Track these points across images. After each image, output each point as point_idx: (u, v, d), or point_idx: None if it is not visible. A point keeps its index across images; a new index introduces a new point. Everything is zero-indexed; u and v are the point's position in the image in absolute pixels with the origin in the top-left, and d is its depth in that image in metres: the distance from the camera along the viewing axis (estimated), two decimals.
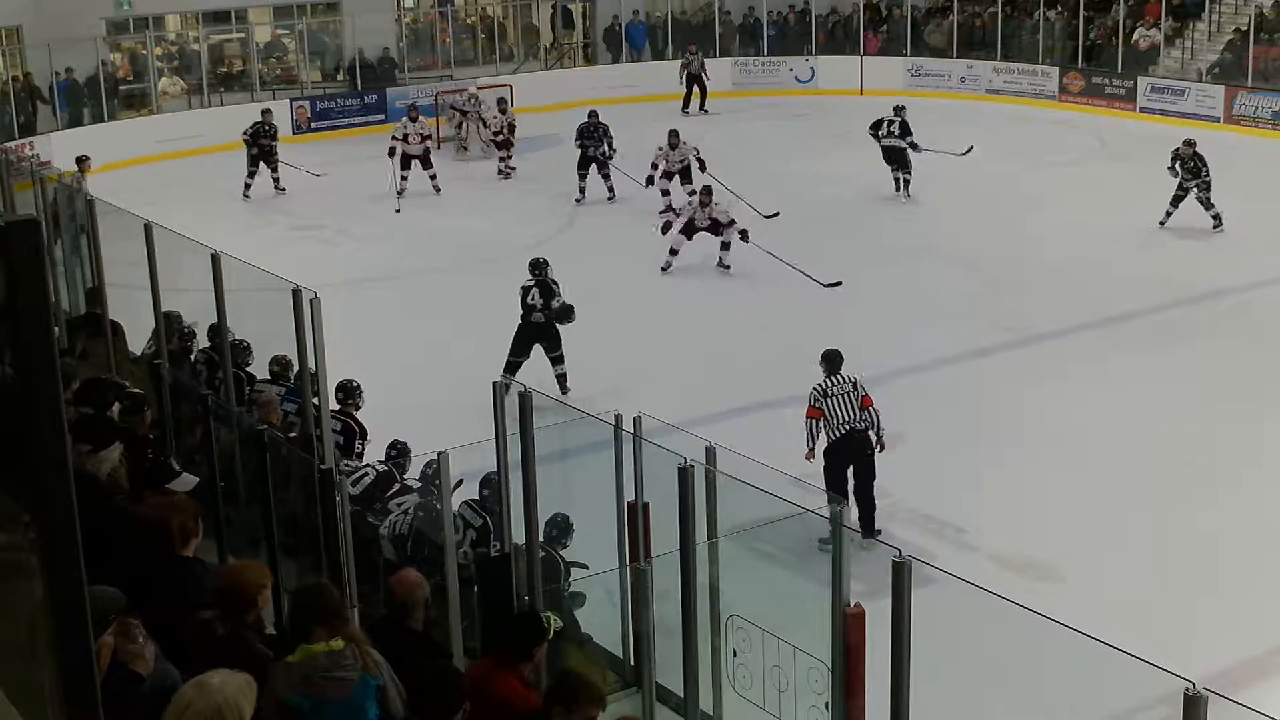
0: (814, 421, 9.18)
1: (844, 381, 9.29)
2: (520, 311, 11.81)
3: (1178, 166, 16.67)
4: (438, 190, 19.91)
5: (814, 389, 9.26)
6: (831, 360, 9.45)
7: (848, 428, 9.16)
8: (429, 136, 20.75)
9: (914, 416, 11.36)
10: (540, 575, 6.32)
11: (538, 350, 11.84)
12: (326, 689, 4.44)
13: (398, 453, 8.42)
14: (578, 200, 19.28)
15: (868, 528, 9.07)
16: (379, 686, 4.54)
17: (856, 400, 9.24)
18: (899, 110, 18.98)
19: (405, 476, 8.24)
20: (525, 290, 11.85)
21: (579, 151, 19.35)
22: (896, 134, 18.78)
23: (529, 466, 6.10)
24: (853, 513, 8.85)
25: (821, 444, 9.22)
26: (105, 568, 4.40)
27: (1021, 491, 9.98)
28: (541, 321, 11.75)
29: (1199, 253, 15.88)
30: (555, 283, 11.93)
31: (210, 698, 3.45)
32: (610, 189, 19.33)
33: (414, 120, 20.07)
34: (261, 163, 19.88)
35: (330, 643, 4.51)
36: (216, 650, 4.36)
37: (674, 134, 18.46)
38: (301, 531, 6.83)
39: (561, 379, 11.79)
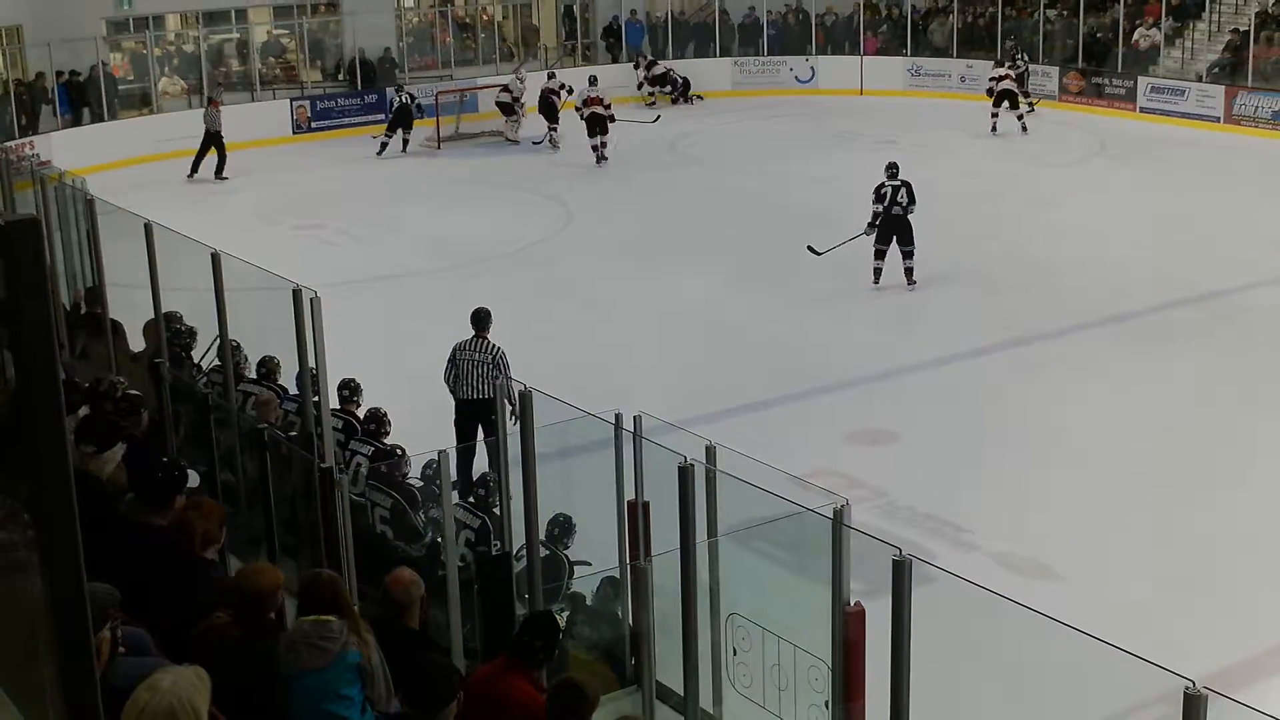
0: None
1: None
2: None
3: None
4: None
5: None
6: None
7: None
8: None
9: (914, 416, 11.39)
10: (541, 575, 6.32)
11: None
12: (306, 657, 4.46)
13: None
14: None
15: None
16: (361, 666, 4.53)
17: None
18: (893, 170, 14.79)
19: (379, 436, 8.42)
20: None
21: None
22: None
23: (529, 466, 6.09)
24: None
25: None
26: (114, 569, 4.39)
27: (1021, 491, 9.98)
28: None
29: (1198, 253, 15.85)
30: None
31: (163, 698, 3.42)
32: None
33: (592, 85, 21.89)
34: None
35: (322, 616, 4.55)
36: (229, 650, 4.41)
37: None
38: (302, 531, 6.83)
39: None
